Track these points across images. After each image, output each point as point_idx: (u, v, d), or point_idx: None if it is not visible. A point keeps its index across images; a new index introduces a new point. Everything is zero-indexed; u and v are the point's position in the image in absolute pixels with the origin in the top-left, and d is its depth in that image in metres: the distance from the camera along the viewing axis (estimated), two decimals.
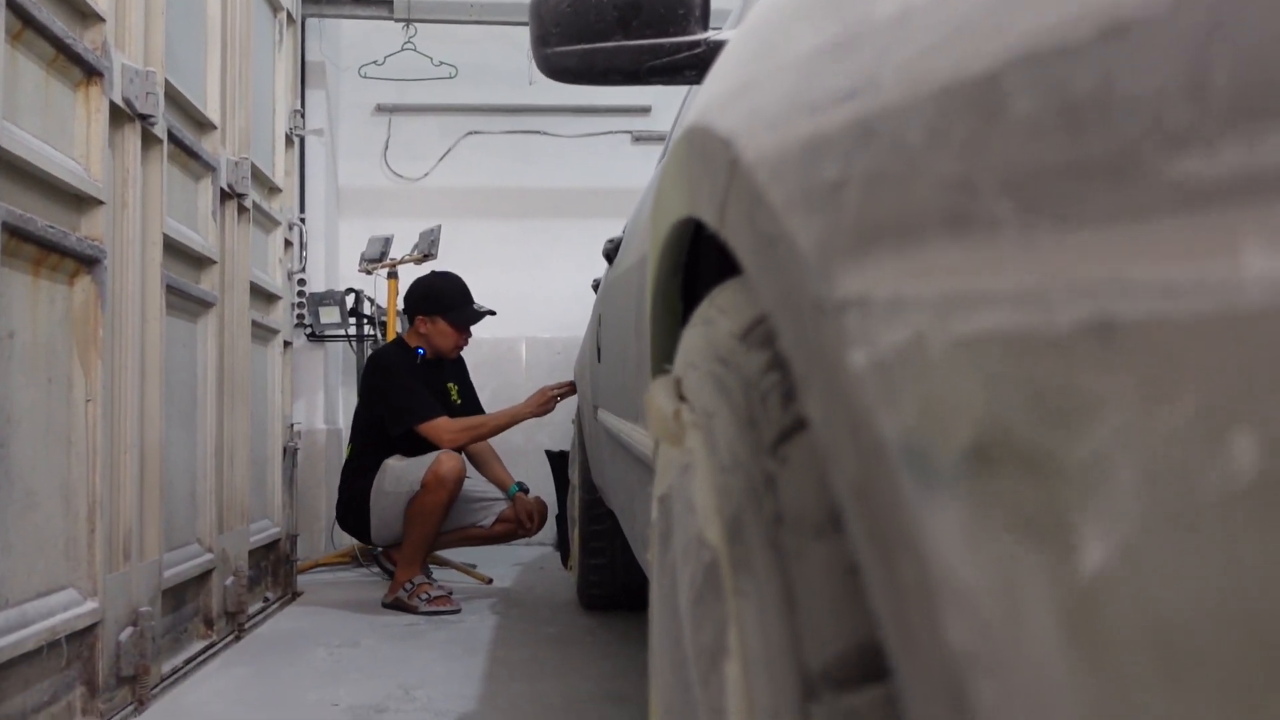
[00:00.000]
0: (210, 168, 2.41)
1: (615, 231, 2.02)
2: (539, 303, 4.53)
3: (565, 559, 3.48)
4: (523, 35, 4.04)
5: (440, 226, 3.77)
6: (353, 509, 3.17)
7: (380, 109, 4.61)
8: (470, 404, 3.38)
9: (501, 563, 3.83)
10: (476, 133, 4.64)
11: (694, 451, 0.48)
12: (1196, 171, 0.18)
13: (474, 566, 3.53)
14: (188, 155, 2.28)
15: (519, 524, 3.19)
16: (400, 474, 3.03)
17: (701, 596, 0.45)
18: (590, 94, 4.46)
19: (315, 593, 3.27)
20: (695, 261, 0.68)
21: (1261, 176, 0.17)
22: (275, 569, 3.05)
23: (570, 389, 3.14)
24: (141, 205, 1.99)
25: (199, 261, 2.40)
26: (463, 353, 3.42)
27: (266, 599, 2.95)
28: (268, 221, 3.03)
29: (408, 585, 2.97)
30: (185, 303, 2.30)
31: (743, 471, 0.39)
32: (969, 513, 0.22)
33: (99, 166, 1.79)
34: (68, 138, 1.74)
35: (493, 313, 3.27)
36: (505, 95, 4.58)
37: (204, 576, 2.39)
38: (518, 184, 4.63)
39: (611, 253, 1.89)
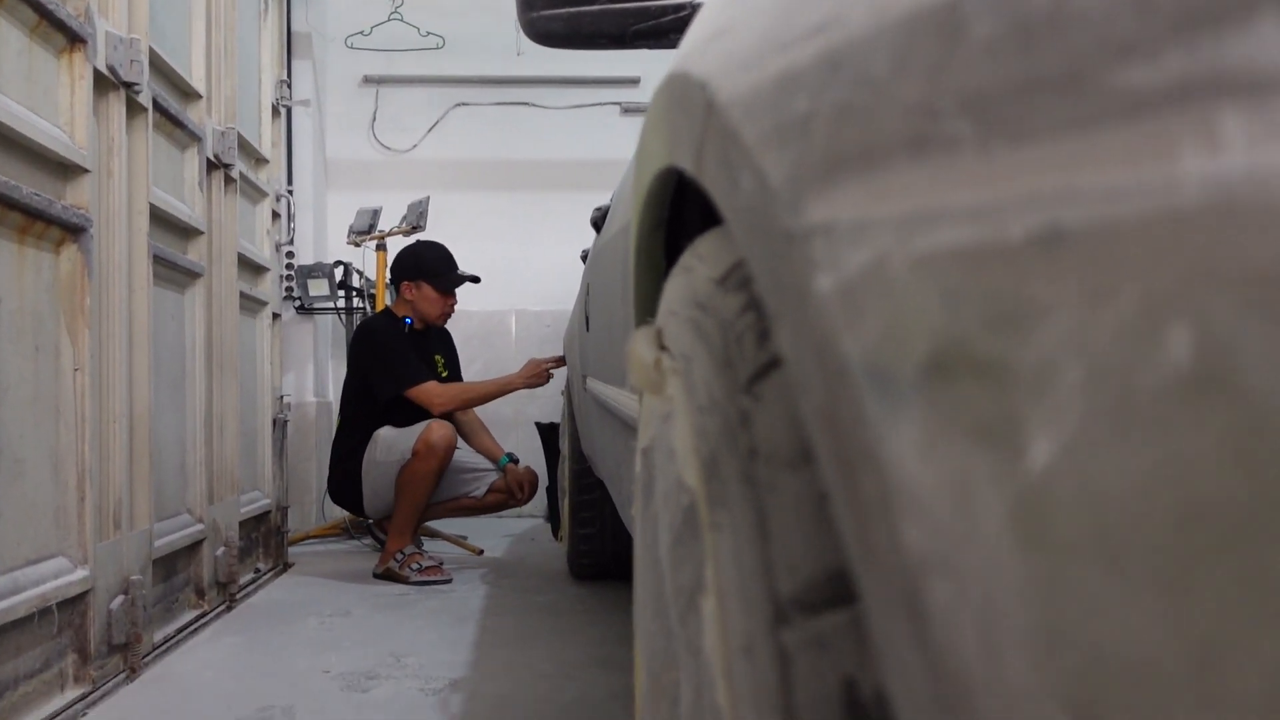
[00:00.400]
0: (196, 137, 2.40)
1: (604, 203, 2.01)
2: (528, 275, 4.53)
3: (556, 530, 3.50)
4: (510, 5, 4.01)
5: (429, 198, 3.76)
6: (345, 482, 3.18)
7: (368, 80, 4.58)
8: (455, 377, 3.40)
9: (492, 535, 3.85)
10: (465, 104, 4.61)
11: (674, 399, 0.48)
12: (1140, 80, 0.19)
13: (465, 538, 3.54)
14: (173, 124, 2.27)
15: (511, 494, 3.21)
16: (391, 443, 3.04)
17: (680, 539, 0.46)
18: (579, 65, 4.44)
19: (307, 564, 3.28)
20: (679, 226, 0.69)
21: (1197, 81, 0.18)
22: (266, 540, 3.06)
23: (559, 363, 3.15)
24: (127, 174, 1.98)
25: (186, 232, 2.40)
26: (453, 326, 3.43)
27: (258, 570, 2.96)
28: (255, 192, 3.01)
29: (399, 555, 2.99)
30: (172, 273, 2.30)
31: (719, 411, 0.40)
32: (927, 423, 0.23)
33: (83, 134, 1.78)
34: (52, 105, 1.73)
35: (476, 279, 3.27)
36: (493, 66, 4.55)
37: (195, 546, 2.40)
38: (506, 156, 4.61)
39: (599, 221, 1.88)
